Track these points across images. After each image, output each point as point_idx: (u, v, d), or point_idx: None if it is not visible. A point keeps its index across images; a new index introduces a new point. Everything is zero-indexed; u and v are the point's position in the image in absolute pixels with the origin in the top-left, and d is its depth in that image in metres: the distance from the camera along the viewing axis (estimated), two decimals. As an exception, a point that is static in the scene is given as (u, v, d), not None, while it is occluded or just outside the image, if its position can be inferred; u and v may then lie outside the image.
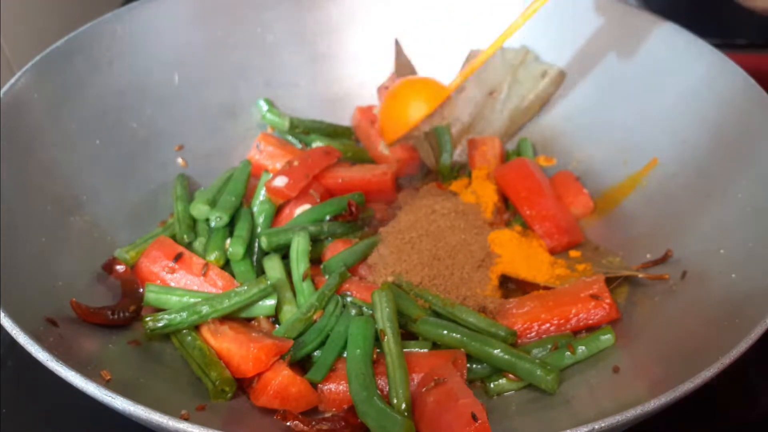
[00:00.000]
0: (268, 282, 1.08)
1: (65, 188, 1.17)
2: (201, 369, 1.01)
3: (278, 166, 1.33)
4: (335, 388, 1.01)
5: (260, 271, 1.20)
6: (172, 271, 1.13)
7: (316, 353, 1.07)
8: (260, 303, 1.09)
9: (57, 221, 1.12)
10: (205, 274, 1.13)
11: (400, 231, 1.23)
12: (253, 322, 1.12)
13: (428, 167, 1.41)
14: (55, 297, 1.02)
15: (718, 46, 1.25)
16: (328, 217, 1.24)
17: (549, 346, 1.07)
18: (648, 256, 1.18)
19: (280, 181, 1.25)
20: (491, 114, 1.47)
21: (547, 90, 1.44)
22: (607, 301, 1.10)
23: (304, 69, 1.49)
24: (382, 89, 1.51)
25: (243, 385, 1.02)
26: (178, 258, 1.14)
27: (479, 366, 1.06)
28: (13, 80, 1.14)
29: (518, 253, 1.22)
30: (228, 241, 1.20)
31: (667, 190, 1.24)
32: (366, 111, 1.47)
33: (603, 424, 0.78)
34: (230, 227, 1.23)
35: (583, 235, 1.28)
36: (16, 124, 1.12)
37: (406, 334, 1.09)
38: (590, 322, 1.10)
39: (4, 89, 1.13)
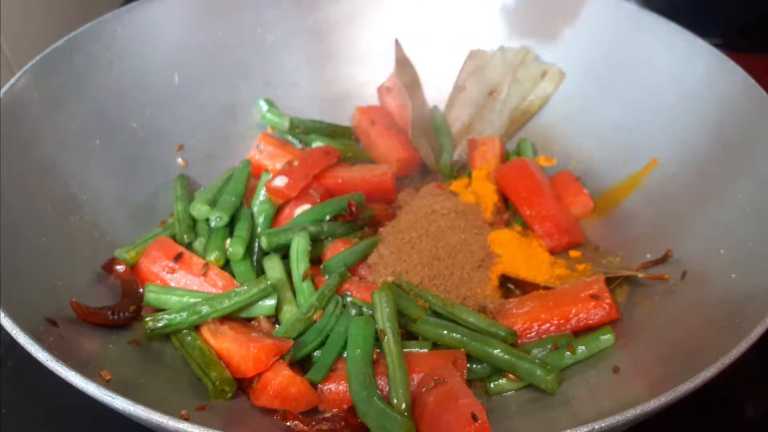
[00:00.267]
0: (268, 282, 1.08)
1: (65, 188, 1.17)
2: (201, 369, 1.01)
3: (278, 166, 1.33)
4: (335, 388, 1.01)
5: (260, 271, 1.20)
6: (172, 271, 1.13)
7: (316, 353, 1.07)
8: (260, 303, 1.09)
9: (57, 221, 1.12)
10: (205, 274, 1.13)
11: (400, 231, 1.23)
12: (253, 322, 1.12)
13: (428, 167, 1.41)
14: (55, 297, 1.02)
15: (718, 46, 1.25)
16: (328, 217, 1.24)
17: (549, 346, 1.07)
18: (648, 256, 1.18)
19: (280, 181, 1.25)
20: (491, 114, 1.47)
21: (547, 90, 1.44)
22: (607, 301, 1.10)
23: (304, 69, 1.49)
24: (382, 89, 1.51)
25: (243, 385, 1.02)
26: (178, 258, 1.14)
27: (479, 366, 1.06)
28: (13, 80, 1.14)
29: (518, 253, 1.22)
30: (228, 241, 1.20)
31: (667, 190, 1.24)
32: (366, 111, 1.47)
33: (603, 424, 0.78)
34: (230, 227, 1.23)
35: (583, 235, 1.28)
36: (16, 124, 1.12)
37: (406, 334, 1.09)
38: (590, 322, 1.10)
39: (4, 89, 1.13)
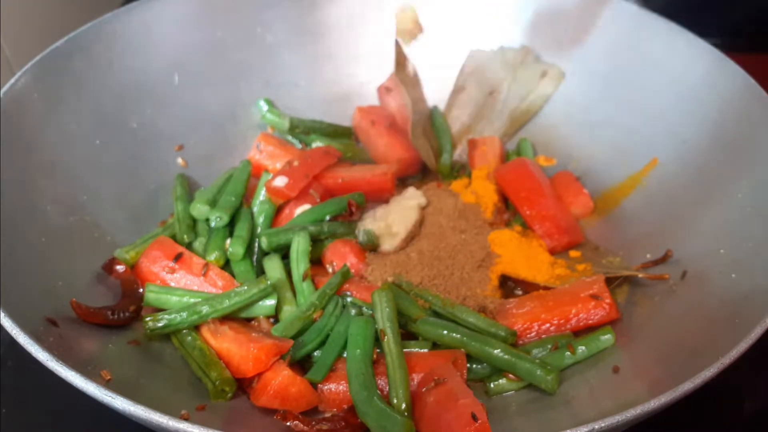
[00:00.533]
0: (268, 282, 1.08)
1: (65, 188, 1.17)
2: (201, 369, 1.01)
3: (278, 166, 1.33)
4: (335, 388, 1.01)
5: (260, 271, 1.20)
6: (172, 271, 1.13)
7: (316, 353, 1.07)
8: (260, 303, 1.09)
9: (57, 221, 1.12)
10: (205, 274, 1.13)
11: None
12: (253, 322, 1.12)
13: (428, 167, 1.41)
14: (55, 297, 1.02)
15: (718, 46, 1.25)
16: (328, 217, 1.24)
17: (549, 346, 1.07)
18: (648, 256, 1.18)
19: (280, 181, 1.25)
20: (491, 114, 1.47)
21: (547, 90, 1.44)
22: (607, 301, 1.10)
23: (304, 69, 1.49)
24: (382, 89, 1.51)
25: (243, 385, 1.02)
26: (178, 258, 1.14)
27: (479, 366, 1.06)
28: (13, 80, 1.14)
29: (518, 253, 1.22)
30: (228, 241, 1.20)
31: (667, 190, 1.24)
32: (366, 111, 1.47)
33: (603, 424, 0.78)
34: (230, 227, 1.23)
35: (583, 235, 1.28)
36: (16, 124, 1.12)
37: (406, 334, 1.09)
38: (590, 322, 1.10)
39: (4, 89, 1.13)
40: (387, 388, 0.98)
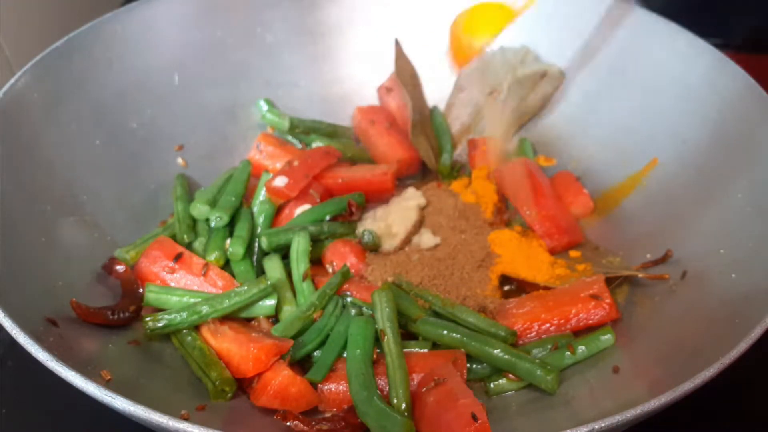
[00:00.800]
0: (268, 282, 1.08)
1: (65, 188, 1.17)
2: (201, 369, 1.01)
3: (278, 166, 1.33)
4: (335, 388, 1.01)
5: (260, 271, 1.20)
6: (172, 271, 1.13)
7: (316, 353, 1.07)
8: (260, 303, 1.09)
9: (57, 221, 1.12)
10: (205, 274, 1.13)
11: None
12: (253, 322, 1.12)
13: (428, 167, 1.41)
14: (55, 297, 1.02)
15: (718, 46, 1.25)
16: (328, 217, 1.24)
17: (549, 346, 1.07)
18: (648, 256, 1.18)
19: (280, 181, 1.25)
20: (491, 114, 1.47)
21: (547, 90, 1.44)
22: (607, 301, 1.10)
23: (304, 69, 1.49)
24: (382, 89, 1.51)
25: (243, 385, 1.02)
26: (178, 258, 1.14)
27: (479, 366, 1.06)
28: (13, 80, 1.14)
29: (518, 253, 1.22)
30: (228, 241, 1.20)
31: (667, 190, 1.24)
32: (366, 111, 1.47)
33: (603, 424, 0.78)
34: (230, 227, 1.23)
35: (583, 235, 1.28)
36: (16, 124, 1.12)
37: (406, 334, 1.09)
38: (590, 322, 1.10)
39: (4, 89, 1.13)
40: (387, 388, 0.98)
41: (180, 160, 1.36)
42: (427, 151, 1.42)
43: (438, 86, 1.51)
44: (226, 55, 1.43)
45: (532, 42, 1.46)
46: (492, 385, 1.04)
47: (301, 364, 1.07)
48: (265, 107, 1.44)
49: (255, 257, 1.21)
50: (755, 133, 1.13)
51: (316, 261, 1.21)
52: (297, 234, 1.17)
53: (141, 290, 1.13)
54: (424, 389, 0.95)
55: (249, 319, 1.11)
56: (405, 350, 1.03)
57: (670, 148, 1.26)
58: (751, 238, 1.04)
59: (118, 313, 1.07)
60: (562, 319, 1.10)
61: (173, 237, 1.20)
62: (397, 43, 1.50)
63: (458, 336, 1.05)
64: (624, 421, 0.79)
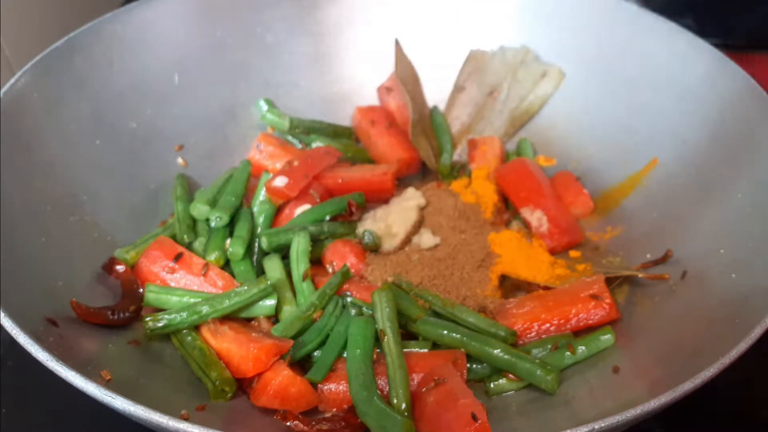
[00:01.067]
0: (268, 282, 1.08)
1: (65, 188, 1.17)
2: (201, 369, 1.01)
3: (278, 166, 1.33)
4: (335, 388, 1.01)
5: (260, 271, 1.20)
6: (172, 271, 1.13)
7: (316, 353, 1.07)
8: (260, 303, 1.09)
9: (57, 221, 1.12)
10: (205, 274, 1.13)
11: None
12: (253, 322, 1.12)
13: (428, 167, 1.41)
14: (55, 297, 1.02)
15: (718, 46, 1.25)
16: (328, 217, 1.24)
17: (549, 346, 1.07)
18: (648, 256, 1.18)
19: (280, 181, 1.25)
20: (491, 114, 1.47)
21: (547, 90, 1.44)
22: (607, 301, 1.10)
23: (304, 69, 1.49)
24: (382, 89, 1.51)
25: (243, 385, 1.02)
26: (178, 258, 1.14)
27: (479, 366, 1.06)
28: (13, 80, 1.14)
29: (518, 253, 1.22)
30: (228, 241, 1.20)
31: (667, 190, 1.24)
32: (366, 111, 1.47)
33: (603, 424, 0.78)
34: (230, 227, 1.23)
35: (583, 235, 1.28)
36: (16, 124, 1.12)
37: (406, 334, 1.09)
38: (590, 322, 1.10)
39: (4, 89, 1.13)
40: (387, 388, 0.98)
41: (180, 160, 1.36)
42: (427, 151, 1.42)
43: (438, 86, 1.51)
44: (226, 55, 1.43)
45: (532, 42, 1.46)
46: (492, 385, 1.04)
47: (301, 364, 1.07)
48: (265, 107, 1.44)
49: (255, 257, 1.21)
50: (755, 133, 1.13)
51: (316, 261, 1.21)
52: (297, 234, 1.17)
53: (141, 290, 1.13)
54: (424, 389, 0.95)
55: (249, 319, 1.11)
56: (405, 350, 1.03)
57: (670, 148, 1.26)
58: (751, 238, 1.04)
59: (118, 313, 1.07)
60: (562, 319, 1.10)
61: (173, 237, 1.20)
62: (397, 43, 1.50)
63: (458, 336, 1.05)
64: (624, 421, 0.79)
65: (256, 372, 1.00)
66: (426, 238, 1.22)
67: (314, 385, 1.01)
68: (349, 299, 1.13)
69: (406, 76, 1.48)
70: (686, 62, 1.27)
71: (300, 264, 1.15)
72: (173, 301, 1.09)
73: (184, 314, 1.05)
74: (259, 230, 1.24)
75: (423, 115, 1.47)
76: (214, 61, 1.42)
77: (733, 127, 1.18)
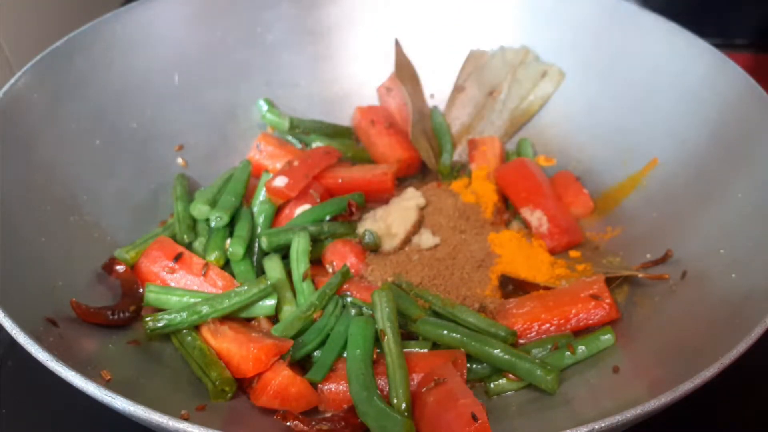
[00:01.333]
0: (268, 282, 1.08)
1: (65, 188, 1.17)
2: (201, 369, 1.01)
3: (278, 166, 1.33)
4: (335, 388, 1.01)
5: (260, 271, 1.20)
6: (172, 271, 1.13)
7: (316, 353, 1.07)
8: (260, 303, 1.09)
9: (57, 221, 1.12)
10: (205, 274, 1.13)
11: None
12: (253, 322, 1.12)
13: (428, 167, 1.41)
14: (55, 297, 1.02)
15: (718, 46, 1.25)
16: (328, 217, 1.24)
17: (549, 346, 1.07)
18: (648, 256, 1.18)
19: (280, 181, 1.25)
20: (491, 114, 1.47)
21: (547, 90, 1.44)
22: (607, 301, 1.10)
23: (304, 69, 1.49)
24: (382, 89, 1.51)
25: (243, 385, 1.02)
26: (178, 258, 1.14)
27: (479, 366, 1.06)
28: (13, 80, 1.14)
29: (518, 253, 1.22)
30: (228, 241, 1.20)
31: (667, 190, 1.24)
32: (366, 111, 1.47)
33: (603, 424, 0.78)
34: (230, 227, 1.23)
35: (583, 235, 1.28)
36: (16, 124, 1.12)
37: (406, 334, 1.09)
38: (590, 322, 1.10)
39: (4, 89, 1.13)
40: (387, 388, 0.98)
41: (180, 160, 1.36)
42: (427, 151, 1.42)
43: (438, 86, 1.51)
44: (226, 55, 1.43)
45: (532, 42, 1.46)
46: (492, 385, 1.04)
47: (301, 364, 1.07)
48: (265, 107, 1.44)
49: (255, 257, 1.21)
50: (755, 133, 1.13)
51: (316, 261, 1.21)
52: (297, 234, 1.17)
53: (141, 290, 1.13)
54: (424, 389, 0.95)
55: (249, 319, 1.11)
56: (405, 350, 1.03)
57: (670, 148, 1.26)
58: (751, 238, 1.04)
59: (118, 313, 1.07)
60: (562, 319, 1.10)
61: (173, 237, 1.20)
62: (397, 43, 1.50)
63: (458, 336, 1.05)
64: (624, 421, 0.79)
65: (256, 372, 1.00)
66: (426, 238, 1.22)
67: (314, 385, 1.01)
68: (349, 299, 1.13)
69: (406, 76, 1.48)
70: (686, 62, 1.27)
71: (300, 264, 1.15)
72: (173, 301, 1.09)
73: (184, 314, 1.05)
74: (259, 230, 1.24)
75: (423, 115, 1.47)
76: (214, 61, 1.42)
77: (733, 127, 1.17)
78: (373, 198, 1.32)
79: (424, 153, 1.40)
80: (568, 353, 1.05)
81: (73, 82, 1.24)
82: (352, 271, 1.17)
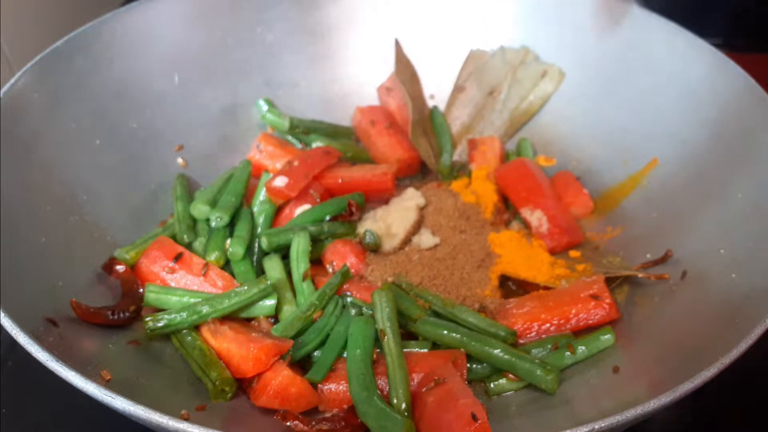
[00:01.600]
0: (268, 282, 1.08)
1: (65, 188, 1.17)
2: (201, 369, 1.01)
3: (278, 166, 1.33)
4: (335, 388, 1.01)
5: (260, 271, 1.20)
6: (172, 271, 1.13)
7: (316, 353, 1.07)
8: (260, 303, 1.09)
9: (57, 221, 1.12)
10: (205, 274, 1.13)
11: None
12: (253, 322, 1.12)
13: (428, 167, 1.41)
14: (55, 297, 1.02)
15: (718, 46, 1.25)
16: (328, 217, 1.24)
17: (549, 346, 1.07)
18: (648, 256, 1.18)
19: (280, 181, 1.25)
20: (491, 114, 1.47)
21: (547, 90, 1.44)
22: (607, 301, 1.10)
23: (304, 69, 1.49)
24: (382, 89, 1.51)
25: (243, 385, 1.02)
26: (178, 258, 1.14)
27: (479, 366, 1.06)
28: (13, 80, 1.14)
29: (518, 253, 1.22)
30: (228, 241, 1.20)
31: (667, 190, 1.24)
32: (366, 111, 1.47)
33: (603, 424, 0.78)
34: (230, 227, 1.23)
35: (583, 235, 1.28)
36: (16, 124, 1.12)
37: (406, 334, 1.09)
38: (590, 322, 1.10)
39: (4, 89, 1.13)
40: (387, 388, 0.98)
41: (180, 160, 1.36)
42: (427, 151, 1.42)
43: (438, 86, 1.51)
44: (226, 55, 1.43)
45: (532, 42, 1.47)
46: (492, 385, 1.04)
47: (301, 364, 1.07)
48: (265, 107, 1.44)
49: (255, 257, 1.21)
50: (755, 133, 1.13)
51: (316, 261, 1.21)
52: (297, 234, 1.17)
53: (141, 290, 1.13)
54: (424, 389, 0.95)
55: (249, 319, 1.11)
56: (405, 350, 1.03)
57: (670, 148, 1.26)
58: (751, 238, 1.04)
59: (118, 313, 1.07)
60: (562, 319, 1.10)
61: (173, 237, 1.20)
62: (397, 43, 1.50)
63: (458, 336, 1.05)
64: (624, 421, 0.79)
65: (256, 372, 1.00)
66: (426, 238, 1.22)
67: (314, 385, 1.01)
68: (349, 299, 1.13)
69: (406, 76, 1.49)
70: (686, 62, 1.28)
71: (300, 264, 1.15)
72: (173, 301, 1.09)
73: (184, 314, 1.05)
74: (259, 230, 1.24)
75: (423, 115, 1.47)
76: (214, 61, 1.42)
77: (733, 127, 1.18)
78: (373, 198, 1.32)
79: (424, 153, 1.40)
80: (568, 353, 1.05)
81: (73, 82, 1.24)
82: (352, 271, 1.17)
